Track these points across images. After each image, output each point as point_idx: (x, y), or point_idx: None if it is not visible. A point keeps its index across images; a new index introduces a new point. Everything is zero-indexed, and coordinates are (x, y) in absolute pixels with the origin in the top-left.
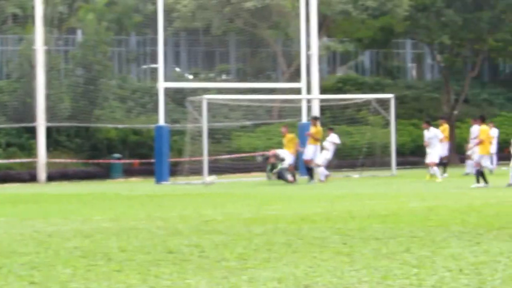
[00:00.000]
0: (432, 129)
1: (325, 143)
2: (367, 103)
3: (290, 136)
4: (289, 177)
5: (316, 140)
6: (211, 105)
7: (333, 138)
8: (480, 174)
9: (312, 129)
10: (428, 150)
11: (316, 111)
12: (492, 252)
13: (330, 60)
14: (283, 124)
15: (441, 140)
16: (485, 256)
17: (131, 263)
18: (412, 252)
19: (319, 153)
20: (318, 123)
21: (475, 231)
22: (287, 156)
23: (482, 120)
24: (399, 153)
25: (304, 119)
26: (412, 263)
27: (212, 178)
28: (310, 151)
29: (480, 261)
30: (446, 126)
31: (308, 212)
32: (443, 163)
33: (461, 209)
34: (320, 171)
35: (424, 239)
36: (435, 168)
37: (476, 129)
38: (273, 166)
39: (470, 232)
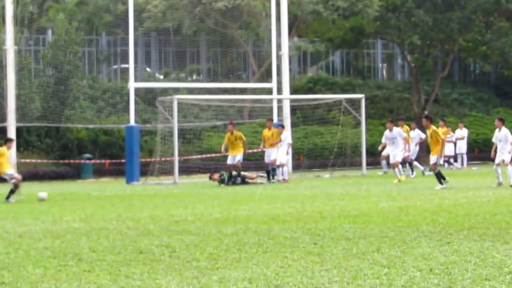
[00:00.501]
0: (395, 129)
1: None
2: (337, 103)
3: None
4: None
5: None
6: (182, 105)
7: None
8: (438, 175)
9: (269, 133)
10: (389, 150)
11: (287, 111)
12: (462, 251)
13: (300, 60)
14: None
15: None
16: (455, 256)
17: (102, 264)
18: (383, 252)
19: (280, 153)
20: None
21: (445, 231)
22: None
23: (431, 121)
24: (369, 153)
25: (275, 119)
26: (383, 263)
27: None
28: (272, 153)
29: (450, 260)
30: (406, 128)
31: (278, 212)
32: (409, 163)
33: (431, 209)
34: (284, 171)
35: (394, 239)
36: (399, 167)
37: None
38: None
39: (440, 232)
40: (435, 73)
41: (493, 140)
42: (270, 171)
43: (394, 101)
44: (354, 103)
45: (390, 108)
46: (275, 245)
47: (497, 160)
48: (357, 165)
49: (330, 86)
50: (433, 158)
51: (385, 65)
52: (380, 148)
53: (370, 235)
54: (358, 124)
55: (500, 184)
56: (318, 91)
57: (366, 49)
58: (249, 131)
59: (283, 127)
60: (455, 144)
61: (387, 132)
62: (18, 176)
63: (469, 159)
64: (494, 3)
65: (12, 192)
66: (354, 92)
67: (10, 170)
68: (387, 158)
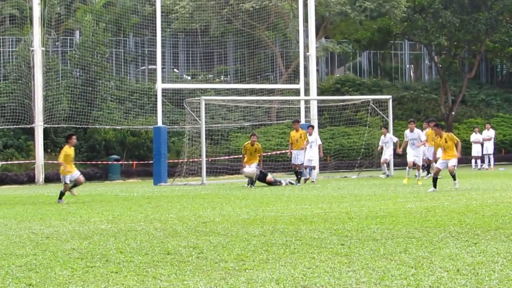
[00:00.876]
0: (416, 130)
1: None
2: (365, 104)
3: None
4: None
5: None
6: (209, 106)
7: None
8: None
9: (297, 134)
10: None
11: (314, 112)
12: (489, 252)
13: (328, 61)
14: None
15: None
16: (482, 256)
17: (129, 265)
18: (410, 252)
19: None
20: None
21: (472, 232)
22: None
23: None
24: (397, 154)
25: (303, 120)
26: (410, 264)
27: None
28: (300, 156)
29: (477, 261)
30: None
31: (306, 213)
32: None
33: (458, 209)
34: (314, 173)
35: (421, 240)
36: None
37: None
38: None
39: (467, 232)
40: (462, 74)
41: None
42: (305, 172)
43: (421, 102)
44: (381, 104)
45: (417, 109)
46: (302, 246)
47: None
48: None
49: (357, 87)
50: (452, 161)
51: (412, 66)
52: (379, 149)
53: (397, 235)
54: (386, 125)
55: None
56: (346, 92)
57: (393, 50)
58: (277, 132)
59: (313, 127)
60: (482, 145)
61: (407, 132)
62: (82, 178)
63: (496, 160)
64: None
65: (62, 194)
66: (381, 93)
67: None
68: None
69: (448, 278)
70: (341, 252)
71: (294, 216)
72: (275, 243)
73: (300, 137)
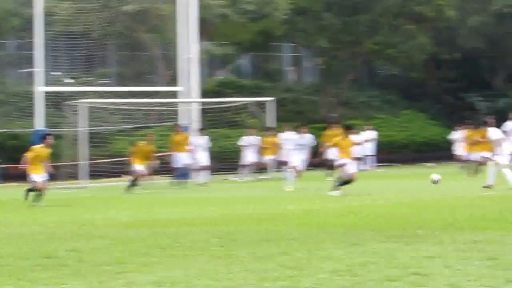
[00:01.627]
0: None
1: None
2: (246, 106)
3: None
4: None
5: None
6: (90, 109)
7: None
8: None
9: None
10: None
11: (195, 115)
12: (368, 252)
13: (209, 63)
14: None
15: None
16: (361, 257)
17: (7, 269)
18: (289, 254)
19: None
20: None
21: (351, 233)
22: None
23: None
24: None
25: (184, 123)
26: (289, 265)
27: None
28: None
29: (356, 262)
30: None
31: (186, 216)
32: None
33: (338, 211)
34: (204, 174)
35: (300, 241)
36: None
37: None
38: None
39: (346, 233)
40: (343, 76)
41: None
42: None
43: (302, 104)
44: (263, 106)
45: (298, 110)
46: (182, 248)
47: None
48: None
49: (238, 89)
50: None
51: (293, 68)
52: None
53: (277, 237)
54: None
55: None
56: (227, 94)
57: (275, 52)
58: (157, 134)
59: (201, 130)
60: (363, 146)
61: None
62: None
63: (376, 161)
64: (401, 6)
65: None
66: (262, 95)
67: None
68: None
69: (327, 279)
70: (221, 254)
71: (175, 218)
72: (155, 246)
73: (182, 139)
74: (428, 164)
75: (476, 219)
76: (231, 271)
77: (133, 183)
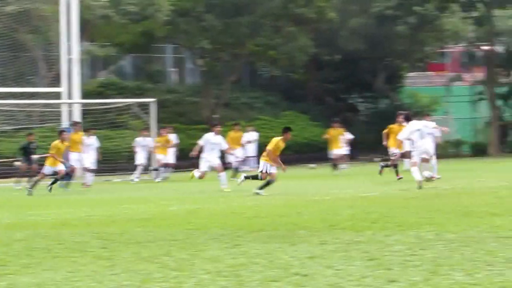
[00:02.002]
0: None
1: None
2: (128, 107)
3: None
4: None
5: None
6: None
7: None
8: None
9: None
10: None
11: (77, 116)
12: (250, 253)
13: (91, 64)
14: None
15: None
16: (243, 258)
17: None
18: (172, 255)
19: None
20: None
21: (234, 234)
22: None
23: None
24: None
25: (65, 123)
26: (172, 266)
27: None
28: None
29: (239, 263)
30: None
31: (68, 217)
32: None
33: (221, 212)
34: (89, 176)
35: (183, 242)
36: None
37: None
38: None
39: (229, 234)
40: (225, 77)
41: None
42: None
43: (184, 105)
44: (145, 107)
45: (180, 112)
46: (64, 250)
47: None
48: (148, 169)
49: (121, 90)
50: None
51: (175, 69)
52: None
53: (160, 238)
54: (149, 128)
55: None
56: (109, 95)
57: (157, 54)
58: (39, 135)
59: (88, 130)
60: (244, 147)
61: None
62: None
63: (257, 162)
64: (282, 8)
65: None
66: (145, 96)
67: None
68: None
69: (209, 280)
70: (103, 255)
71: (56, 220)
72: (37, 247)
73: (78, 139)
74: (310, 165)
75: (358, 219)
76: (114, 272)
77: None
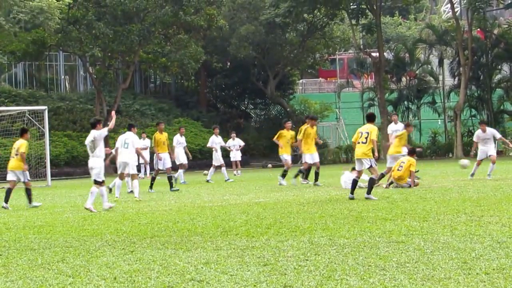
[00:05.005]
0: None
1: None
2: (21, 115)
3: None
4: None
5: None
6: None
7: None
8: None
9: None
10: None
11: None
12: (145, 260)
13: None
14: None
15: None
16: (138, 264)
17: None
18: (67, 261)
19: None
20: None
21: (128, 240)
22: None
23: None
24: (54, 164)
25: None
26: (67, 273)
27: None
28: None
29: (134, 269)
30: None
31: None
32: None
33: (115, 218)
34: None
35: (78, 249)
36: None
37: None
38: None
39: (123, 240)
40: (116, 85)
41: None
42: None
43: (77, 112)
44: (38, 115)
45: (73, 119)
46: None
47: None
48: (41, 176)
49: (13, 98)
50: None
51: (67, 77)
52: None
53: (55, 245)
54: (42, 135)
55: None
56: (2, 103)
57: (49, 61)
58: None
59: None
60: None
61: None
62: None
63: (151, 168)
64: (172, 16)
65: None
66: (37, 104)
67: None
68: None
69: (105, 286)
70: None
71: None
72: None
73: None
74: (205, 172)
75: (252, 225)
76: (10, 279)
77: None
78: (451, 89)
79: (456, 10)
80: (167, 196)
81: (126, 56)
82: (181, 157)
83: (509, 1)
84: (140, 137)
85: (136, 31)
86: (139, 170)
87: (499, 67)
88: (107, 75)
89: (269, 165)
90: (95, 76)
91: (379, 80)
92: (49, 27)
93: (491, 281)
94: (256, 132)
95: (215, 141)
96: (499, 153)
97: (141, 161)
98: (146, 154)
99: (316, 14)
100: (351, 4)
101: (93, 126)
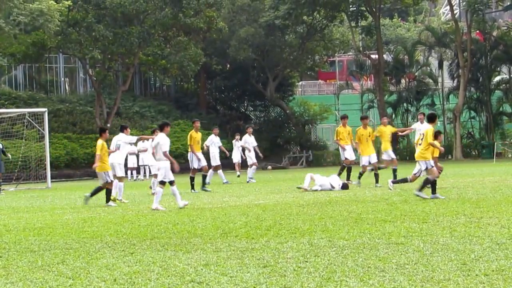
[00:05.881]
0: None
1: None
2: (21, 117)
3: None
4: None
5: None
6: None
7: None
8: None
9: None
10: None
11: None
12: (145, 261)
13: None
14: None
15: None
16: (138, 265)
17: None
18: (67, 263)
19: None
20: None
21: (128, 242)
22: None
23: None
24: (53, 166)
25: None
26: (68, 274)
27: None
28: None
29: (134, 270)
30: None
31: None
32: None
33: (115, 220)
34: None
35: (79, 250)
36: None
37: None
38: None
39: (123, 242)
40: (116, 87)
41: None
42: None
43: (77, 115)
44: (38, 117)
45: (73, 121)
46: None
47: None
48: (41, 178)
49: (13, 100)
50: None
51: (67, 79)
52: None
53: (55, 247)
54: (42, 137)
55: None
56: (2, 106)
57: (49, 64)
58: None
59: None
60: (137, 156)
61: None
62: None
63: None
64: (172, 18)
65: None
66: (37, 106)
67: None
68: None
69: None
70: None
71: None
72: None
73: None
74: (268, 167)
75: (252, 227)
76: (10, 281)
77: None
78: (450, 91)
79: (455, 12)
80: (167, 197)
81: (126, 58)
82: (218, 158)
83: (508, 3)
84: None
85: (135, 33)
86: (138, 172)
87: (498, 69)
88: (107, 77)
89: (269, 167)
90: (95, 78)
91: (379, 82)
92: (49, 30)
93: (491, 283)
94: (256, 134)
95: (214, 141)
96: (499, 154)
97: (141, 162)
98: (147, 155)
99: (316, 16)
100: (351, 6)
101: (161, 128)
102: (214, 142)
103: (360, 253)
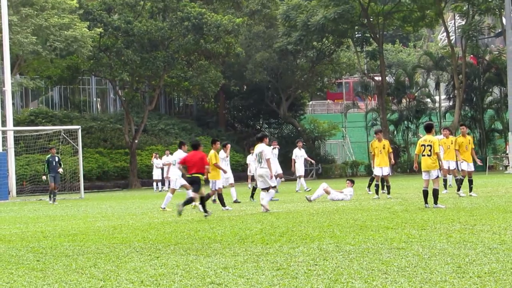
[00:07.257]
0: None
1: None
2: (57, 133)
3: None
4: None
5: None
6: None
7: None
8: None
9: None
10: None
11: (11, 141)
12: (169, 265)
13: (23, 95)
14: None
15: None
16: (163, 268)
17: None
18: (99, 267)
19: None
20: None
21: (154, 247)
22: None
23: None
24: (86, 178)
25: None
26: (99, 277)
27: None
28: None
29: (159, 273)
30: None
31: (4, 233)
32: None
33: (142, 227)
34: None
35: (109, 255)
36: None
37: None
38: None
39: (150, 247)
40: (143, 106)
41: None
42: None
43: (108, 131)
44: (72, 134)
45: (104, 137)
46: (1, 263)
47: None
48: (75, 189)
49: (50, 118)
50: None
51: (99, 99)
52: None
53: (87, 252)
54: (76, 152)
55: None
56: (39, 123)
57: (82, 85)
58: None
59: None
60: (162, 169)
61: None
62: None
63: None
64: (194, 44)
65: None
66: (71, 123)
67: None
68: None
69: None
70: (37, 267)
71: None
72: None
73: None
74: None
75: (267, 233)
76: (47, 283)
77: None
78: (447, 110)
79: (451, 38)
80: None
81: (152, 80)
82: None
83: (499, 30)
84: (164, 154)
85: (161, 58)
86: (163, 184)
87: (490, 90)
88: (134, 97)
89: (282, 179)
90: (124, 99)
91: (382, 101)
92: (82, 54)
93: (483, 284)
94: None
95: (297, 154)
96: (491, 167)
97: (165, 175)
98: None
99: (324, 42)
100: (356, 33)
101: (260, 140)
102: (297, 155)
103: (365, 257)
